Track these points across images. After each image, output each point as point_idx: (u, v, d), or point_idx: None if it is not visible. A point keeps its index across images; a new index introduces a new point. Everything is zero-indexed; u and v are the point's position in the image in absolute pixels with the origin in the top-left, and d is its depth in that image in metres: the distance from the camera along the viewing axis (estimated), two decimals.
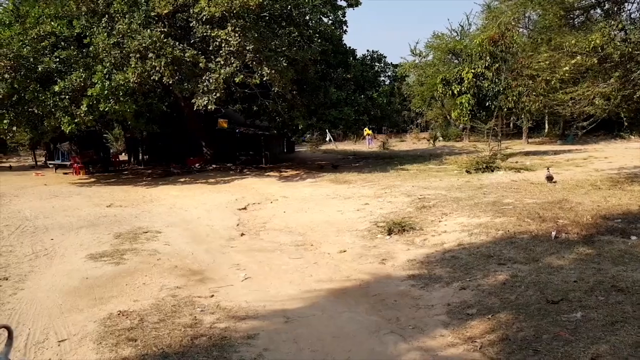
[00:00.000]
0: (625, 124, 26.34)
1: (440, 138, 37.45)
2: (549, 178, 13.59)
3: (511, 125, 32.51)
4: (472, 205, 10.49)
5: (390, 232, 9.12)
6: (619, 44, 10.13)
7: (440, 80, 24.26)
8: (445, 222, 9.40)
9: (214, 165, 23.47)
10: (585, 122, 26.14)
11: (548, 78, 11.69)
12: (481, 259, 7.10)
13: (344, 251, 8.53)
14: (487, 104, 22.03)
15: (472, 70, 22.10)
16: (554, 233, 7.89)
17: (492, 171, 16.35)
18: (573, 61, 10.43)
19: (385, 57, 27.20)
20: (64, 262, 8.36)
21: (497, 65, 21.67)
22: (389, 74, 28.75)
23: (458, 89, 22.69)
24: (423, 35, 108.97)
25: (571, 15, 11.74)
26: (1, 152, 33.54)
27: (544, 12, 11.75)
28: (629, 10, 11.35)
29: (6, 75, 16.96)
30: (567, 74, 10.91)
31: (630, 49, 10.07)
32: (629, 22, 11.04)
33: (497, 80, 21.60)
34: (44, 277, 7.47)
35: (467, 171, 16.69)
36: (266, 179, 19.45)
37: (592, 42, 9.81)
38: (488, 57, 21.88)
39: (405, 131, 45.62)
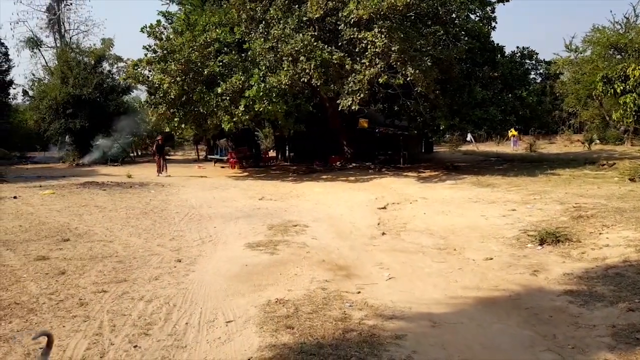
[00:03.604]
0: None
1: (597, 141, 33.99)
2: None
3: None
4: (638, 217, 9.45)
5: (542, 242, 8.62)
6: None
7: (600, 78, 22.05)
8: (606, 235, 8.60)
9: (353, 164, 24.02)
10: None
11: None
12: None
13: (491, 259, 8.28)
14: None
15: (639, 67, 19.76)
16: None
17: None
18: None
19: (537, 53, 25.60)
20: (226, 249, 9.27)
21: None
22: (541, 71, 26.88)
23: (621, 88, 20.45)
24: (580, 29, 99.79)
25: None
26: (170, 147, 38.06)
27: None
28: None
29: (178, 78, 19.18)
30: None
31: None
32: None
33: None
34: (210, 262, 8.35)
35: (631, 179, 14.96)
36: (404, 179, 19.41)
37: None
38: None
39: (555, 132, 42.17)
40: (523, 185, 15.89)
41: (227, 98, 18.92)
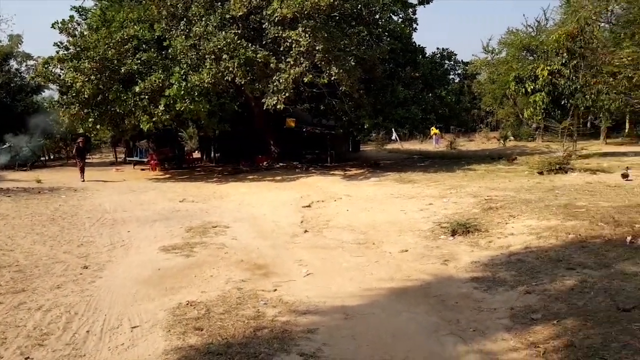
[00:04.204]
0: None
1: (511, 138, 36.07)
2: (624, 176, 13.21)
3: (588, 124, 30.69)
4: (542, 207, 10.07)
5: (454, 233, 8.98)
6: None
7: (513, 78, 23.38)
8: (512, 224, 9.10)
9: (281, 164, 23.95)
10: None
11: (631, 75, 10.97)
12: (549, 263, 6.84)
13: (406, 251, 8.50)
14: (562, 102, 20.99)
15: (548, 68, 21.12)
16: (629, 238, 7.44)
17: (566, 172, 15.55)
18: None
19: (455, 54, 26.77)
20: (139, 253, 8.91)
21: (574, 61, 20.60)
22: (459, 71, 28.14)
23: (532, 87, 21.79)
24: (496, 31, 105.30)
25: None
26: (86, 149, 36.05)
27: (629, 5, 11.08)
28: None
29: (92, 77, 18.23)
30: None
31: None
32: None
33: (574, 77, 20.53)
34: (120, 267, 8.00)
35: (539, 172, 15.97)
36: (331, 178, 19.59)
37: None
38: (565, 54, 20.85)
39: (474, 130, 44.26)
40: (441, 180, 16.49)
41: (146, 97, 18.22)
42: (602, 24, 21.22)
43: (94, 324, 5.66)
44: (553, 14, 51.42)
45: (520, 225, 8.92)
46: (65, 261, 8.23)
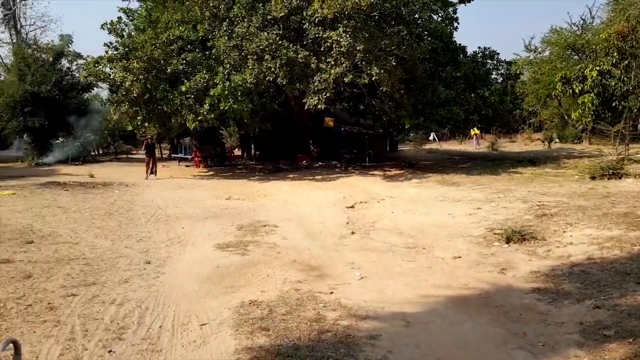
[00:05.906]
0: None
1: (556, 139, 35.14)
2: None
3: (638, 127, 29.67)
4: (600, 215, 9.77)
5: (508, 240, 8.80)
6: None
7: (559, 78, 22.79)
8: (570, 233, 8.85)
9: (319, 163, 24.07)
10: None
11: None
12: (616, 276, 6.63)
13: (459, 257, 8.42)
14: (614, 104, 20.35)
15: (597, 68, 20.53)
16: None
17: (620, 178, 14.94)
18: None
19: (498, 53, 26.13)
20: (196, 250, 9.14)
21: (626, 62, 19.95)
22: (502, 71, 27.53)
23: (580, 88, 21.21)
24: (539, 29, 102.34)
25: None
26: (133, 145, 37.13)
27: None
28: None
29: (140, 76, 18.75)
30: None
31: None
32: None
33: (626, 78, 19.87)
34: (180, 263, 8.24)
35: (592, 177, 15.39)
36: (371, 178, 19.56)
37: None
38: (615, 53, 20.21)
39: (515, 131, 43.34)
40: (487, 183, 16.24)
41: (192, 96, 18.64)
42: None
43: (165, 319, 5.86)
44: (599, 12, 49.63)
45: (579, 234, 8.69)
46: (127, 256, 8.54)
